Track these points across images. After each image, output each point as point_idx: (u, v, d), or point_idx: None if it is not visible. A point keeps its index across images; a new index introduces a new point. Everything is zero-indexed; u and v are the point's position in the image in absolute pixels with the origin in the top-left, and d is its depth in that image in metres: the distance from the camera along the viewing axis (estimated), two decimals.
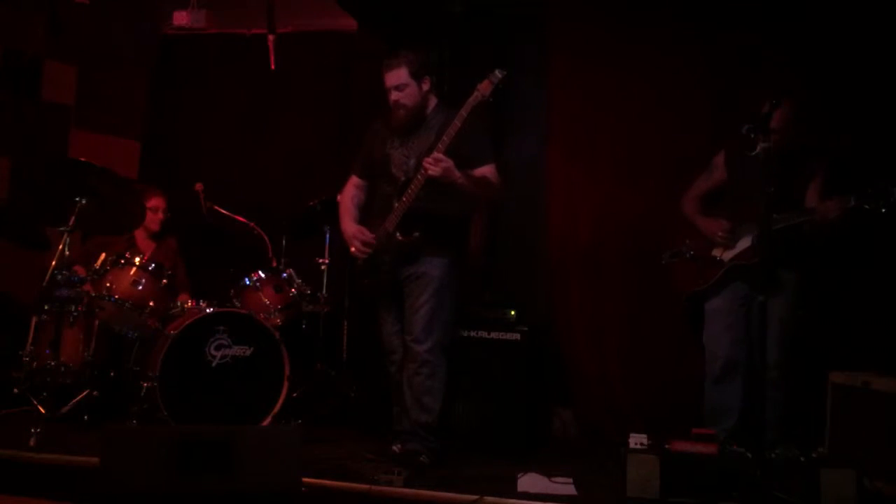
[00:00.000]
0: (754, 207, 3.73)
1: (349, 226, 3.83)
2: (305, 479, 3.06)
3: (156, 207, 4.85)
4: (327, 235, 4.87)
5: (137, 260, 4.21)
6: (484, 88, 3.44)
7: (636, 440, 3.30)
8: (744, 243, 3.78)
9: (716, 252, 3.86)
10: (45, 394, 3.87)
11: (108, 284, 4.12)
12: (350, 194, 3.94)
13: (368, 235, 3.72)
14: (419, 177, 3.53)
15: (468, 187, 3.58)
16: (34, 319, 4.02)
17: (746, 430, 3.74)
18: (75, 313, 4.12)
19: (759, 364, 3.34)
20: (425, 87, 3.69)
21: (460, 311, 3.97)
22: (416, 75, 3.64)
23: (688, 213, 4.04)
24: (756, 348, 3.60)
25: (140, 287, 4.18)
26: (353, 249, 3.78)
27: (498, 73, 3.42)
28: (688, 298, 3.99)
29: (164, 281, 4.25)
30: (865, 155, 4.07)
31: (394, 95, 3.66)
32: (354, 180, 3.96)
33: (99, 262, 4.19)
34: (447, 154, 3.46)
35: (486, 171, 3.65)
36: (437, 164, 3.43)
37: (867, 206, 3.43)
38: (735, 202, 3.88)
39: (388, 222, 3.65)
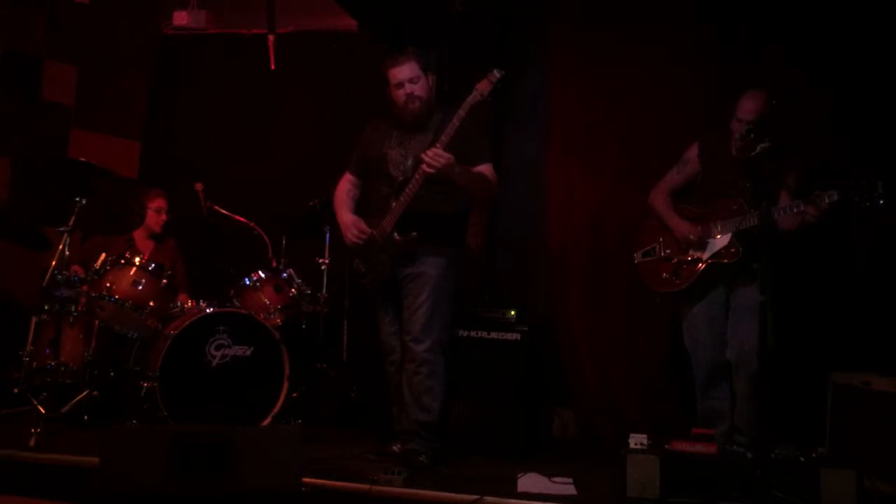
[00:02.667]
0: (728, 203, 3.75)
1: (346, 215, 3.82)
2: (305, 479, 3.06)
3: (160, 208, 4.85)
4: (327, 235, 4.87)
5: (137, 260, 4.21)
6: (482, 88, 3.44)
7: (636, 440, 3.30)
8: (721, 241, 3.74)
9: (692, 252, 3.82)
10: (45, 394, 3.87)
11: (107, 284, 4.12)
12: (345, 189, 3.93)
13: (364, 226, 3.72)
14: (417, 176, 3.53)
15: (467, 183, 3.59)
16: (34, 319, 4.02)
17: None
18: (75, 313, 4.11)
19: (757, 362, 3.35)
20: (430, 81, 3.71)
21: (458, 311, 3.97)
22: (424, 69, 3.68)
23: (659, 210, 3.99)
24: (749, 347, 3.62)
25: (140, 287, 4.17)
26: (348, 236, 3.77)
27: (496, 73, 3.43)
28: (662, 298, 3.97)
29: (164, 281, 4.24)
30: (842, 155, 4.07)
31: (408, 88, 3.65)
32: (349, 177, 3.96)
33: (99, 262, 4.19)
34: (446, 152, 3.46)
35: (484, 169, 3.66)
36: (436, 159, 3.43)
37: (856, 199, 3.41)
38: (707, 197, 3.87)
39: (386, 222, 3.65)
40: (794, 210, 3.54)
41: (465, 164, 3.56)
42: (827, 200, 3.46)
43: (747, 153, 3.50)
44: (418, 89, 3.65)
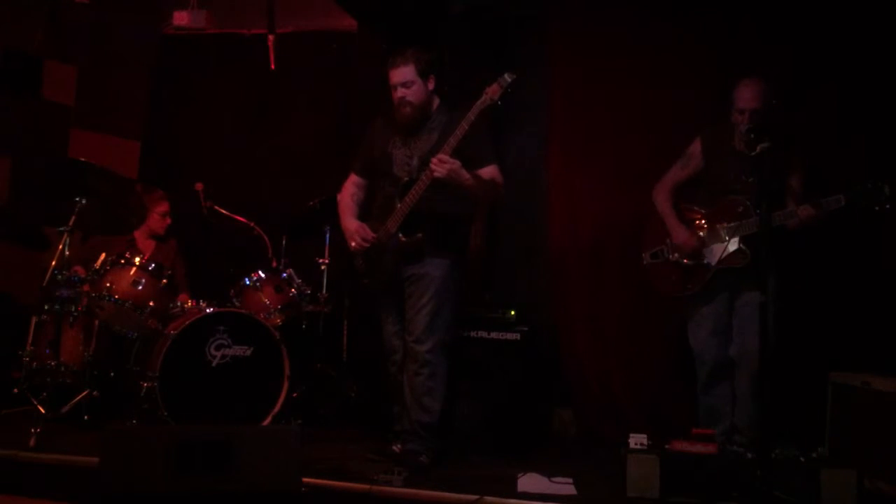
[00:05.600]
0: (734, 205, 3.74)
1: (350, 222, 3.81)
2: (305, 479, 3.06)
3: (165, 213, 4.86)
4: (327, 235, 4.87)
5: (137, 260, 4.22)
6: (493, 92, 3.42)
7: (636, 440, 3.30)
8: (730, 245, 3.72)
9: (704, 255, 3.80)
10: (45, 394, 3.88)
11: (107, 284, 4.12)
12: (349, 192, 3.93)
13: (369, 233, 3.71)
14: (424, 178, 3.52)
15: (474, 188, 3.58)
16: (34, 319, 4.03)
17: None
18: (75, 313, 4.12)
19: (758, 363, 3.35)
20: (430, 85, 3.69)
21: (461, 312, 3.97)
22: (423, 73, 3.64)
23: (661, 208, 3.98)
24: (750, 347, 3.62)
25: (140, 287, 4.18)
26: (352, 244, 3.77)
27: (507, 77, 3.41)
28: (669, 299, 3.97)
29: (164, 281, 4.25)
30: (845, 153, 4.07)
31: (400, 92, 3.65)
32: (354, 178, 3.95)
33: (99, 262, 4.19)
34: (452, 156, 3.45)
35: (490, 171, 3.65)
36: (442, 166, 3.42)
37: (863, 203, 3.40)
38: (712, 195, 3.86)
39: (391, 222, 3.65)
40: (800, 215, 3.54)
41: (470, 166, 3.55)
42: (833, 206, 3.45)
43: (749, 152, 3.49)
44: (410, 94, 3.63)
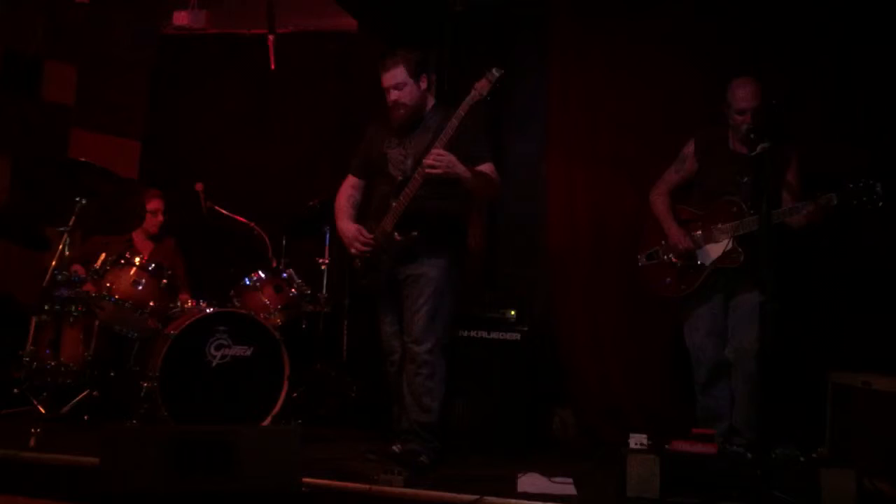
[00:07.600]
0: (728, 206, 3.74)
1: (347, 226, 3.81)
2: (305, 479, 3.06)
3: (156, 210, 4.85)
4: (327, 235, 4.87)
5: (137, 260, 4.22)
6: (481, 87, 3.43)
7: (636, 440, 3.30)
8: (724, 246, 3.72)
9: (697, 256, 3.81)
10: (45, 394, 3.87)
11: (108, 284, 4.12)
12: (346, 194, 3.93)
13: (367, 236, 3.71)
14: (417, 175, 3.52)
15: (471, 183, 3.58)
16: (34, 319, 4.02)
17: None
18: (75, 313, 4.12)
19: (756, 362, 3.35)
20: (423, 85, 3.69)
21: (459, 312, 3.96)
22: (414, 74, 3.65)
23: (657, 212, 3.98)
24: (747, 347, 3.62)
25: (140, 287, 4.18)
26: (353, 251, 3.77)
27: (495, 72, 3.42)
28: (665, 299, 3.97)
29: (164, 281, 4.25)
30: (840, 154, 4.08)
31: (393, 95, 3.66)
32: (351, 180, 3.95)
33: (99, 262, 4.19)
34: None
35: (485, 168, 3.65)
36: (438, 160, 3.42)
37: (855, 202, 3.40)
38: (706, 196, 3.86)
39: (386, 222, 3.65)
40: (797, 212, 3.54)
41: (465, 163, 3.56)
42: (823, 203, 3.46)
43: (749, 152, 3.49)
44: (402, 96, 3.64)
